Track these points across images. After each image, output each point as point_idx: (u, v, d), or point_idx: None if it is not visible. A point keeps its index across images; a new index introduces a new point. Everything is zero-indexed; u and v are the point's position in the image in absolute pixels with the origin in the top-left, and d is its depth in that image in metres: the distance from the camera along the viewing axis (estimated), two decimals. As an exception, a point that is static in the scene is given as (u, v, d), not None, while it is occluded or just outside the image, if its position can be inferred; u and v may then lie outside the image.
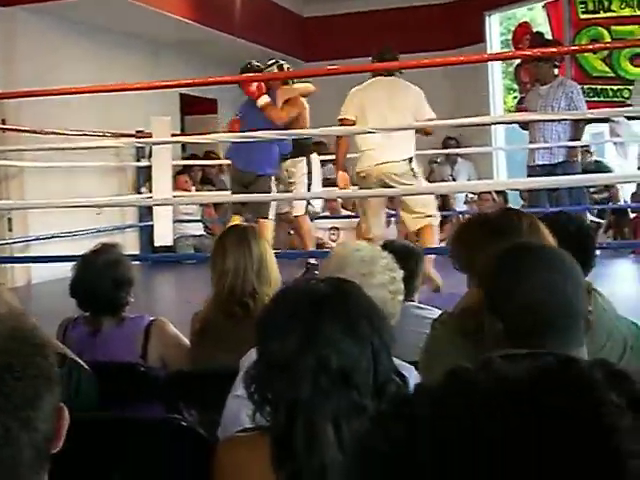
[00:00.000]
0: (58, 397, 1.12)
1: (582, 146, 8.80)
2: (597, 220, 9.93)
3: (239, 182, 7.42)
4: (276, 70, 7.39)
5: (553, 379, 0.65)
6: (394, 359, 1.73)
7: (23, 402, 1.04)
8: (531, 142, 7.88)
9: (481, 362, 0.69)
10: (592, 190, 9.84)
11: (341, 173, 7.13)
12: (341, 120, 6.84)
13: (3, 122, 8.75)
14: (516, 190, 9.66)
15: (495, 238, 2.30)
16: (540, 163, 7.61)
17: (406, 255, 3.46)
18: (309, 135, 7.01)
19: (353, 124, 6.73)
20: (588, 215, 8.39)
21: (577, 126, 7.64)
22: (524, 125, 8.02)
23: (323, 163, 11.79)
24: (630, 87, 10.57)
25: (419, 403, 0.68)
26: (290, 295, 1.77)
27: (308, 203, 7.78)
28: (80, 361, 2.48)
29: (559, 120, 7.38)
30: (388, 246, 3.38)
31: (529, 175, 7.74)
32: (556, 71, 8.05)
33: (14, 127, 8.57)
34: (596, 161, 10.69)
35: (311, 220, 7.96)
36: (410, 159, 6.72)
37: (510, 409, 0.63)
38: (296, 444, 1.57)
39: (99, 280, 3.20)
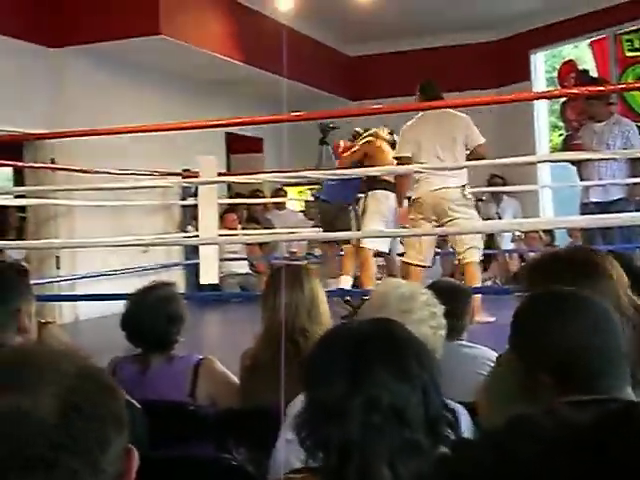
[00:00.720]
0: (127, 438, 1.11)
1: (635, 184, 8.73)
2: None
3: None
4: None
5: (618, 424, 0.64)
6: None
7: (91, 444, 1.02)
8: (584, 179, 7.80)
9: (546, 408, 0.68)
10: None
11: (401, 210, 7.30)
12: (397, 159, 7.01)
13: (53, 161, 8.86)
14: (564, 228, 9.57)
15: (578, 277, 2.26)
16: (594, 200, 7.53)
17: (454, 294, 3.44)
18: (366, 173, 7.13)
19: (409, 161, 6.84)
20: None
21: (635, 165, 7.55)
22: (576, 163, 7.94)
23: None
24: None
25: (483, 447, 0.67)
26: (336, 337, 1.75)
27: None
28: (132, 400, 2.48)
29: (614, 159, 7.31)
30: (435, 285, 3.36)
31: (582, 212, 7.66)
32: (613, 108, 7.98)
33: (64, 167, 8.67)
34: None
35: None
36: (463, 186, 6.95)
37: (576, 455, 0.62)
38: None
39: (151, 315, 3.22)
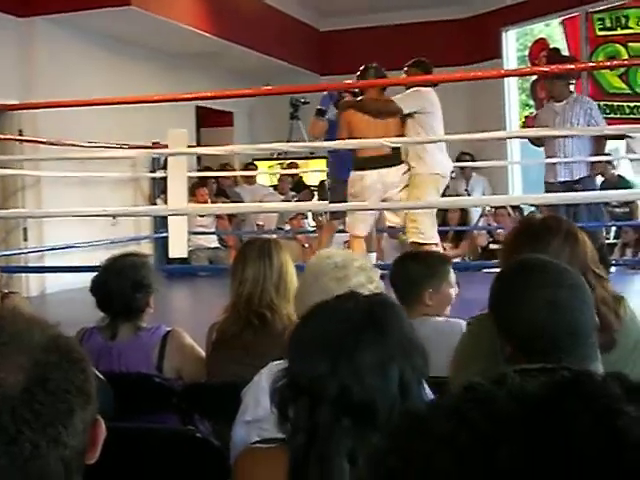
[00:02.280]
0: (94, 411, 1.11)
1: (606, 161, 8.78)
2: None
3: None
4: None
5: (569, 393, 0.65)
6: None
7: (53, 418, 1.02)
8: (549, 158, 7.82)
9: (496, 377, 0.69)
10: (613, 204, 9.79)
11: None
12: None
13: (20, 133, 8.79)
14: (532, 205, 9.61)
15: (531, 242, 2.29)
16: (561, 180, 7.55)
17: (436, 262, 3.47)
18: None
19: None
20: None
21: (600, 142, 7.59)
22: (536, 142, 7.97)
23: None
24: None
25: (435, 418, 0.68)
26: (325, 316, 1.73)
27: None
28: (96, 371, 2.48)
29: (579, 136, 7.34)
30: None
31: (547, 191, 7.68)
32: (572, 87, 8.01)
33: (31, 138, 8.60)
34: (619, 176, 10.64)
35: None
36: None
37: (527, 425, 0.63)
38: (310, 473, 1.53)
39: (119, 280, 3.23)
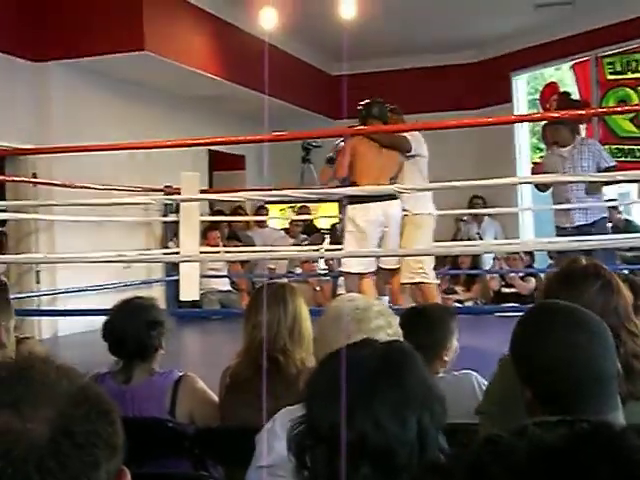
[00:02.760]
0: (119, 463, 1.10)
1: (612, 206, 8.79)
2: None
3: None
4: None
5: (588, 445, 0.65)
6: None
7: (79, 471, 1.01)
8: (558, 204, 7.78)
9: (517, 429, 0.69)
10: (624, 248, 9.76)
11: None
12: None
13: (34, 176, 8.83)
14: (544, 250, 9.60)
15: (567, 288, 2.28)
16: (577, 224, 7.50)
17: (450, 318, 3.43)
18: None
19: None
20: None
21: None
22: (542, 187, 7.93)
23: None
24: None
25: (456, 469, 0.68)
26: (342, 361, 1.70)
27: None
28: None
29: (590, 181, 7.30)
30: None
31: (559, 236, 7.63)
32: (582, 131, 8.01)
33: (45, 181, 8.64)
34: (626, 220, 10.64)
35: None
36: None
37: (548, 477, 0.62)
38: None
39: (132, 320, 3.25)
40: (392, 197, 6.80)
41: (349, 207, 7.02)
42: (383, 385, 1.58)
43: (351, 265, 6.95)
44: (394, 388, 1.58)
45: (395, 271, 7.20)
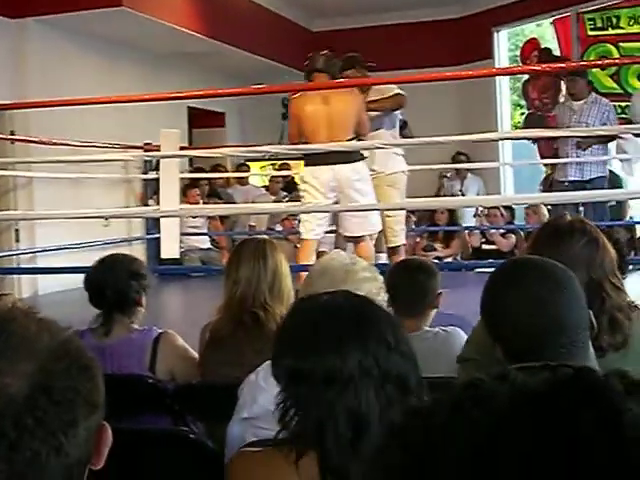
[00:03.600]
0: (99, 420, 1.09)
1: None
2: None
3: None
4: None
5: (572, 389, 0.65)
6: None
7: (56, 428, 1.00)
8: (559, 157, 7.78)
9: (497, 374, 0.69)
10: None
11: None
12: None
13: (12, 133, 8.76)
14: (523, 204, 9.61)
15: (551, 243, 2.29)
16: (571, 179, 7.52)
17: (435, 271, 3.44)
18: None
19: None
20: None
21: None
22: (534, 139, 7.98)
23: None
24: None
25: (437, 413, 0.67)
26: (308, 308, 1.75)
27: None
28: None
29: (580, 136, 7.29)
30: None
31: (555, 190, 7.65)
32: (564, 89, 8.03)
33: (23, 138, 8.57)
34: (611, 172, 10.61)
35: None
36: None
37: (530, 421, 0.62)
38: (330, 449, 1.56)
39: (112, 272, 3.28)
40: (346, 160, 6.24)
41: (305, 169, 6.58)
42: (347, 320, 1.63)
43: (307, 231, 6.51)
44: (360, 322, 1.63)
45: (360, 239, 6.56)
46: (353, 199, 6.29)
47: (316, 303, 1.75)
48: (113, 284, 3.23)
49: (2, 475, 0.97)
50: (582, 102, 7.66)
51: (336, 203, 6.36)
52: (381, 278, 2.58)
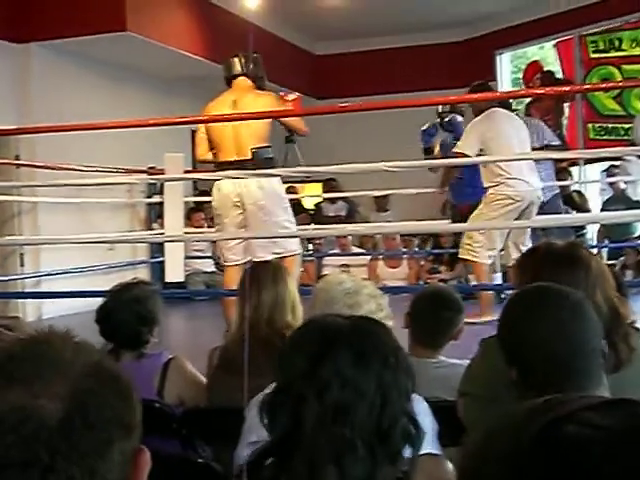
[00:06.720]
0: (135, 443, 1.06)
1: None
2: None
3: None
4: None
5: None
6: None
7: (91, 450, 0.98)
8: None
9: (565, 414, 0.68)
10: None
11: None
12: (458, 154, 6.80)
13: (17, 158, 8.79)
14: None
15: (560, 269, 2.28)
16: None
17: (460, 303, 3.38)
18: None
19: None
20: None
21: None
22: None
23: (333, 200, 11.88)
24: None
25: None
26: (306, 329, 1.75)
27: None
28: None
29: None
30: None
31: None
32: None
33: (28, 163, 8.59)
34: (578, 192, 10.46)
35: None
36: None
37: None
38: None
39: (125, 313, 3.25)
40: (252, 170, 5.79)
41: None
42: (347, 341, 1.62)
43: (224, 257, 6.17)
44: (358, 345, 1.62)
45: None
46: (257, 217, 5.90)
47: (313, 325, 1.76)
48: (124, 328, 3.24)
49: None
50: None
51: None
52: (385, 301, 2.57)
